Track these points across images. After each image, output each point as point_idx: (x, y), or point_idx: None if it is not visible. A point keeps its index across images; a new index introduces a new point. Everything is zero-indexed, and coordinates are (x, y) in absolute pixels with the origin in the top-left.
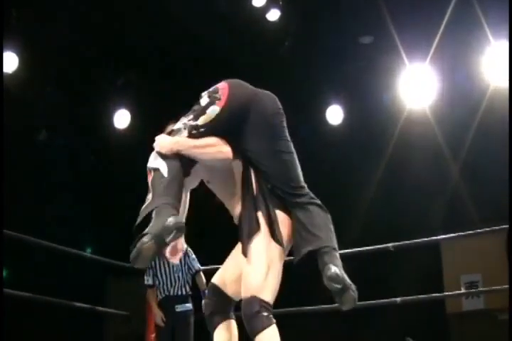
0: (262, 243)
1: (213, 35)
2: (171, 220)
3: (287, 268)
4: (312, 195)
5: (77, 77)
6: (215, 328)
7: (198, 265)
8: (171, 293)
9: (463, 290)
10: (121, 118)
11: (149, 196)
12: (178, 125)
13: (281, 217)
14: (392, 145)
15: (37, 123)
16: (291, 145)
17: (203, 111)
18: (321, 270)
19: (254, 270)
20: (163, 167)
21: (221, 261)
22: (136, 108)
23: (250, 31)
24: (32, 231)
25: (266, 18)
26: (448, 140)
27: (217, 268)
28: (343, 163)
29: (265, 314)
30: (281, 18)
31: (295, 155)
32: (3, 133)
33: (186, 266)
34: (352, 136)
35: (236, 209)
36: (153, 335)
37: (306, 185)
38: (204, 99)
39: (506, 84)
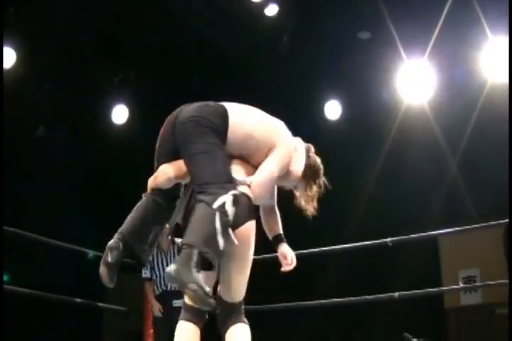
0: (242, 250)
1: (212, 30)
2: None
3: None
4: (206, 197)
5: (75, 72)
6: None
7: None
8: (169, 287)
9: (461, 285)
10: (120, 114)
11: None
12: None
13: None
14: (390, 140)
15: (34, 119)
16: (209, 145)
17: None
18: None
19: (237, 275)
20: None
21: None
22: (135, 104)
23: (249, 26)
24: (29, 227)
25: (264, 13)
26: (446, 135)
27: None
28: (341, 159)
29: (237, 314)
30: (279, 13)
31: (208, 153)
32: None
33: None
34: (350, 131)
35: None
36: (151, 331)
37: (215, 181)
38: None
39: (504, 80)
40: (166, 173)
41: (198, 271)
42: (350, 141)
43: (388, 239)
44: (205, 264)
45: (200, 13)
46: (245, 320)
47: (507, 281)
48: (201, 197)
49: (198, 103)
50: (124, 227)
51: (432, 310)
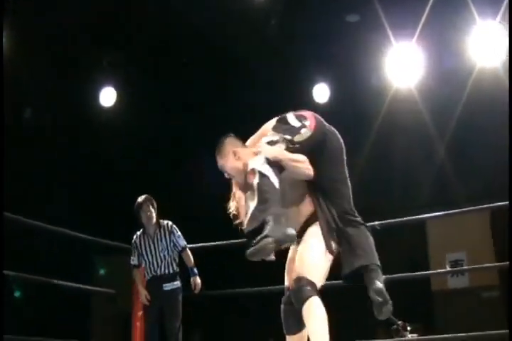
0: (321, 240)
1: (199, 14)
2: (291, 231)
3: None
4: (363, 222)
5: (63, 55)
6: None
7: (184, 242)
8: (158, 272)
9: (448, 269)
10: (108, 97)
11: (255, 200)
12: (274, 137)
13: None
14: (378, 123)
15: (22, 101)
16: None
17: (297, 130)
18: (367, 283)
19: (310, 258)
20: (272, 177)
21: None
22: (123, 86)
23: (236, 9)
24: (16, 210)
25: None
26: (434, 118)
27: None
28: None
29: (308, 288)
30: None
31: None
32: None
33: (172, 244)
34: (338, 115)
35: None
36: (139, 313)
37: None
38: (293, 120)
39: (492, 63)
40: (310, 169)
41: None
42: (338, 125)
43: (376, 223)
44: None
45: None
46: None
47: (494, 264)
48: (360, 219)
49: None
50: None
51: (419, 293)
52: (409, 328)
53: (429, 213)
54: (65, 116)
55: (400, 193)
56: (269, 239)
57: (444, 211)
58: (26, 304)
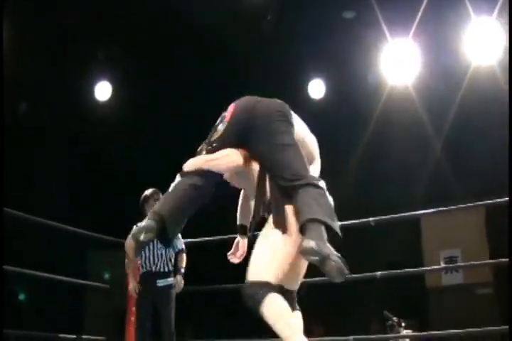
0: (269, 232)
1: (196, 9)
2: (142, 224)
3: None
4: (310, 181)
5: (58, 49)
6: None
7: (183, 245)
8: (153, 269)
9: (442, 265)
10: (103, 91)
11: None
12: (200, 147)
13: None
14: (374, 120)
15: (17, 96)
16: (294, 140)
17: (214, 129)
18: None
19: (254, 256)
20: (172, 184)
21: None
22: (118, 80)
23: (233, 4)
24: (11, 204)
25: None
26: (430, 115)
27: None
28: (324, 138)
29: (260, 292)
30: None
31: (296, 147)
32: None
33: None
34: (334, 111)
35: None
36: (134, 308)
37: (308, 174)
38: (217, 123)
39: (489, 60)
40: (234, 160)
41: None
42: (333, 121)
43: (371, 219)
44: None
45: None
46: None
47: (488, 261)
48: (303, 181)
49: (276, 100)
50: (162, 208)
51: (413, 289)
52: (403, 324)
53: (423, 210)
54: (63, 112)
55: (395, 190)
56: (128, 238)
57: (438, 208)
58: (22, 299)
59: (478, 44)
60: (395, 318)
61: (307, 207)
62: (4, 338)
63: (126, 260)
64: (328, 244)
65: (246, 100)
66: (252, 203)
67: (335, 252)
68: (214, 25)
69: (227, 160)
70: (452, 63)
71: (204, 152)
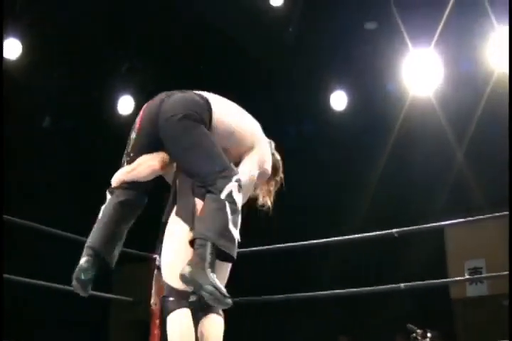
0: (176, 230)
1: (220, 21)
2: (80, 263)
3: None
4: (218, 187)
5: (81, 62)
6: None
7: None
8: None
9: (466, 276)
10: (125, 105)
11: None
12: (123, 159)
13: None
14: (396, 131)
15: (40, 109)
16: (198, 136)
17: (129, 139)
18: None
19: (166, 254)
20: (102, 207)
21: None
22: (140, 94)
23: (254, 17)
24: (30, 216)
25: (270, 4)
26: (453, 125)
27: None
28: (347, 149)
29: (171, 299)
30: (284, 3)
31: (204, 144)
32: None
33: None
34: (356, 122)
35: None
36: (157, 321)
37: (218, 175)
38: (131, 130)
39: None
40: (150, 165)
41: (213, 271)
42: (356, 132)
43: (394, 230)
44: (222, 256)
45: (207, 5)
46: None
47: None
48: (206, 189)
49: (178, 94)
50: (94, 241)
51: (437, 301)
52: (429, 335)
53: (447, 220)
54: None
55: (418, 200)
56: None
57: (462, 218)
58: (42, 311)
59: (501, 52)
60: (419, 331)
61: (201, 221)
62: None
63: (157, 272)
64: (208, 270)
65: (152, 103)
66: None
67: (212, 280)
68: (237, 37)
69: (143, 167)
70: (475, 72)
71: (125, 163)
